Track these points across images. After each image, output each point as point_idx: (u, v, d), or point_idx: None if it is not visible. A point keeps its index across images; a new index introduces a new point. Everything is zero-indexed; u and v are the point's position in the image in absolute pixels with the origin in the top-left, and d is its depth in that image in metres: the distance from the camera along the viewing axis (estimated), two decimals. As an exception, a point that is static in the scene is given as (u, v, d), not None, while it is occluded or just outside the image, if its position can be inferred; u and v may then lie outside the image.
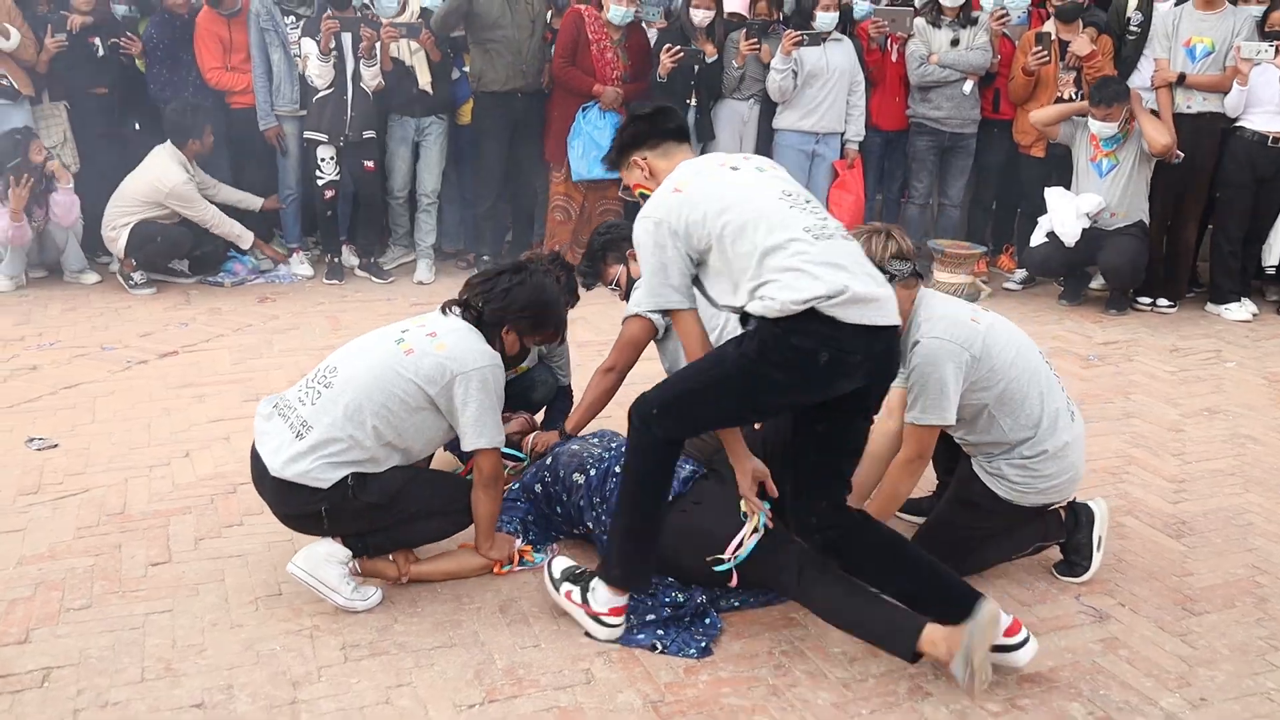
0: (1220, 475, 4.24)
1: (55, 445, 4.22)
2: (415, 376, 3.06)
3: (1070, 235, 6.22)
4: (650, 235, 2.81)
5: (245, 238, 6.56)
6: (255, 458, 3.14)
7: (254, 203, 6.71)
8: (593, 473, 3.39)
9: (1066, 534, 3.41)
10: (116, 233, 6.22)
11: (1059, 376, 3.33)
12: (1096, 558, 3.39)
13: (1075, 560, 3.41)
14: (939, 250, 6.63)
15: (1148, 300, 6.58)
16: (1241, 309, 6.45)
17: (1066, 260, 6.41)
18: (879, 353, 2.70)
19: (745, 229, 2.69)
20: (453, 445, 3.60)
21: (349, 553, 3.13)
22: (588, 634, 3.01)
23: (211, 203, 6.43)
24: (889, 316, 2.68)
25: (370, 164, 6.63)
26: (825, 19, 6.36)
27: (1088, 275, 6.76)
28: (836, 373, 2.65)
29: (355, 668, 2.87)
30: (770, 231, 2.67)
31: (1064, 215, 6.26)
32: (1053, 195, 6.37)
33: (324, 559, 3.09)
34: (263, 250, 6.73)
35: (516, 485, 3.69)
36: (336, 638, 3.00)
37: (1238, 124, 6.29)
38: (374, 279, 6.79)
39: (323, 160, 6.55)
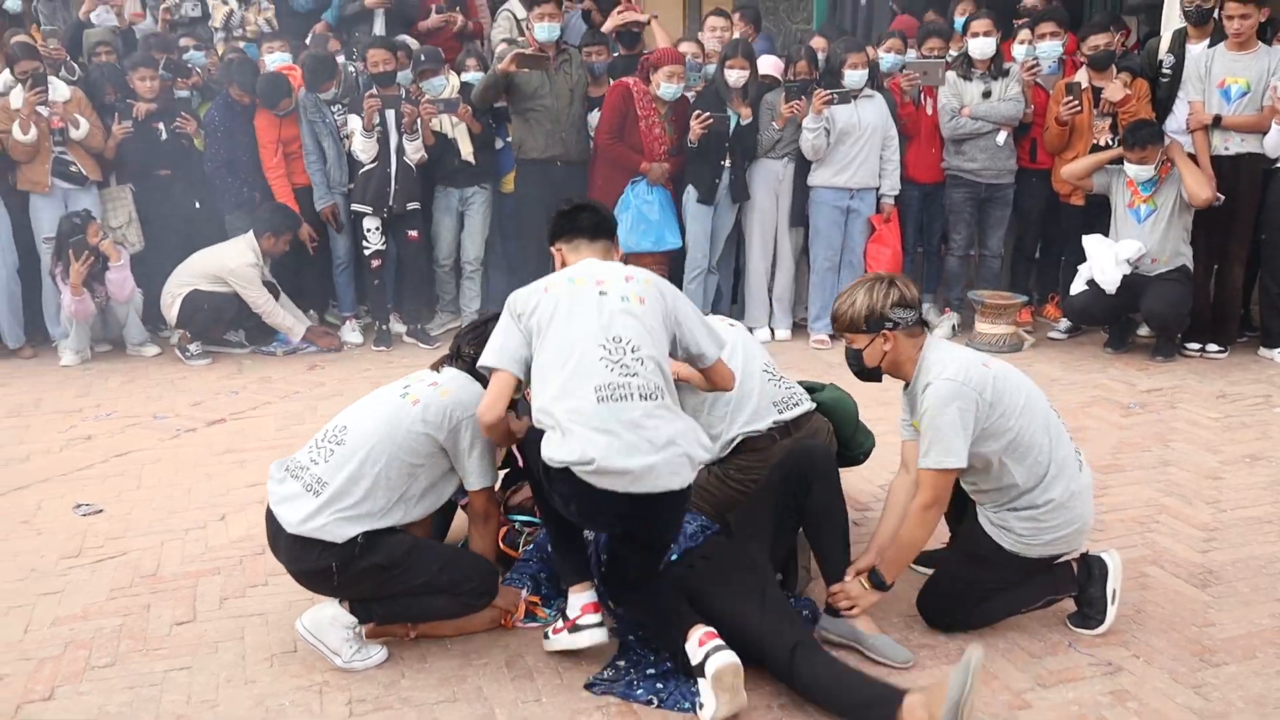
0: (1256, 523, 4.13)
1: (100, 511, 4.40)
2: (424, 426, 3.20)
3: (1110, 282, 6.15)
4: (506, 307, 3.19)
5: (297, 330, 6.78)
6: (270, 518, 3.26)
7: (299, 331, 6.83)
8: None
9: (1078, 587, 3.35)
10: (172, 299, 6.51)
11: (1065, 422, 3.32)
12: (1111, 611, 3.33)
13: (1089, 614, 3.35)
14: (979, 301, 6.60)
15: (1197, 346, 6.45)
16: (1294, 352, 6.30)
17: (1108, 307, 6.33)
18: (635, 516, 2.95)
19: (550, 367, 3.00)
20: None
21: (354, 620, 3.21)
22: (580, 649, 3.15)
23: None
24: (645, 486, 2.87)
25: (414, 233, 6.84)
26: (854, 77, 6.43)
27: (1133, 323, 6.66)
28: (590, 519, 3.07)
29: (359, 722, 2.94)
30: (566, 380, 2.95)
31: (1103, 262, 6.20)
32: (1091, 242, 6.32)
33: (329, 622, 3.19)
34: (315, 341, 6.88)
35: (531, 546, 3.74)
36: (344, 693, 3.08)
37: (1279, 165, 6.19)
38: (421, 345, 6.97)
39: (369, 231, 6.78)
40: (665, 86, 6.44)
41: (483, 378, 3.30)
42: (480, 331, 3.40)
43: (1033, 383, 3.31)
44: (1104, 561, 3.35)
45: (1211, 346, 6.44)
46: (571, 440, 2.87)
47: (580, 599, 3.16)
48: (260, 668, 3.22)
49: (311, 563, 3.19)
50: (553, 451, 2.90)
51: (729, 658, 2.84)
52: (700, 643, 2.90)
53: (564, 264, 3.33)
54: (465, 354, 3.42)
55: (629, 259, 6.63)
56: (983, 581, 3.29)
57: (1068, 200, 6.73)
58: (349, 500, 3.14)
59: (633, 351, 2.99)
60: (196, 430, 5.39)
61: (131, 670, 3.21)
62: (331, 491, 3.14)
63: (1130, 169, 6.08)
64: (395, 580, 3.19)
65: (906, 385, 3.34)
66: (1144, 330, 6.67)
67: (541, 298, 3.12)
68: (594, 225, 3.36)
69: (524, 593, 3.49)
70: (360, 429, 3.24)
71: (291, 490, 3.22)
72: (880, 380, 3.39)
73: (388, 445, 3.18)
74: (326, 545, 3.13)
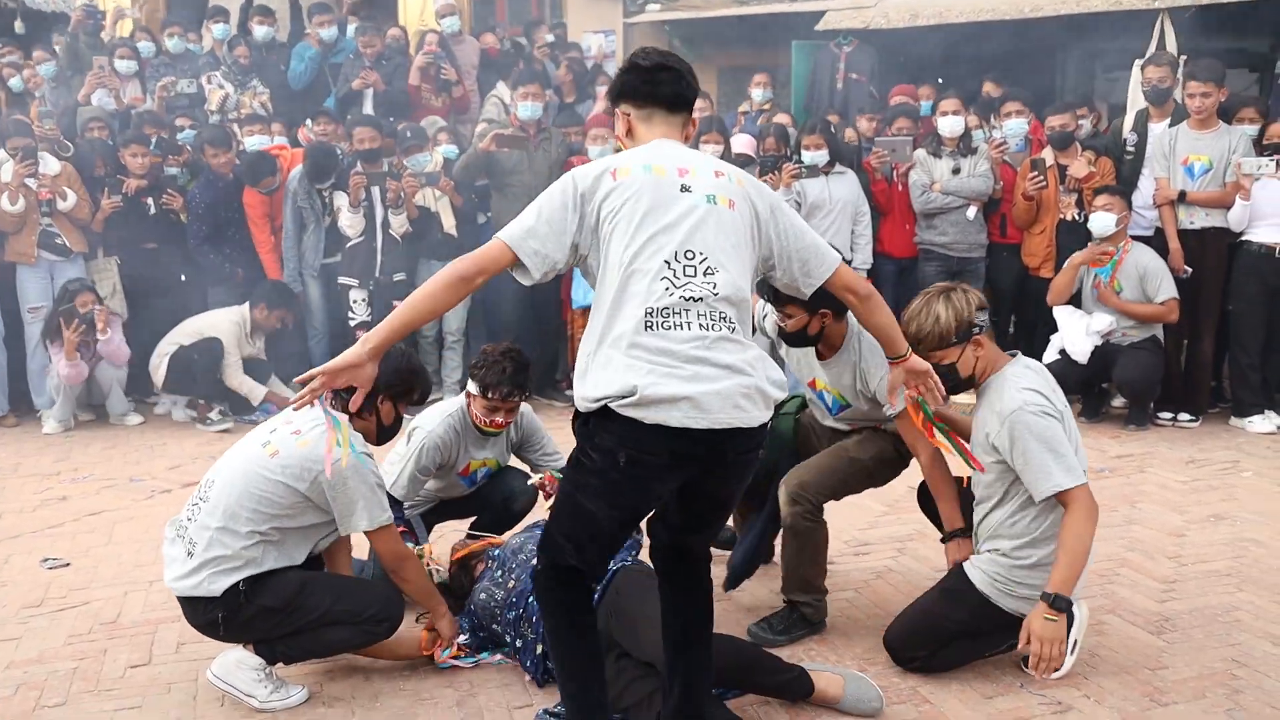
0: (1215, 575, 4.14)
1: (68, 564, 4.42)
2: (283, 477, 3.11)
3: (1081, 353, 6.24)
4: (559, 185, 2.59)
5: (255, 395, 6.74)
6: None
7: (257, 395, 6.78)
8: (506, 637, 3.42)
9: None
10: (160, 359, 6.58)
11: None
12: (1069, 660, 3.29)
13: None
14: (952, 371, 6.67)
15: (1169, 415, 6.50)
16: (1265, 421, 6.33)
17: (1080, 377, 6.39)
18: (696, 459, 2.50)
19: (607, 284, 2.52)
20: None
21: (261, 660, 3.20)
22: None
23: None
24: (707, 418, 2.43)
25: (399, 304, 6.94)
26: (810, 156, 6.63)
27: (1107, 393, 6.73)
28: (643, 478, 2.51)
29: (304, 757, 2.94)
30: (615, 297, 2.50)
31: (1074, 334, 6.29)
32: (1062, 314, 6.42)
33: (235, 665, 3.21)
34: (274, 403, 6.82)
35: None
36: (292, 730, 3.07)
37: (1244, 238, 6.32)
38: (406, 415, 7.00)
39: (355, 302, 6.91)
40: (590, 148, 6.70)
41: (362, 405, 3.07)
42: None
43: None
44: (1072, 613, 3.34)
45: (1183, 415, 6.49)
46: (610, 371, 2.45)
47: None
48: (211, 706, 3.22)
49: (200, 618, 3.20)
50: (588, 390, 2.47)
51: None
52: None
53: (629, 133, 2.75)
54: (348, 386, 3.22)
55: (580, 314, 6.76)
56: (951, 619, 3.29)
57: (1036, 273, 6.85)
58: (219, 552, 3.11)
59: (705, 273, 2.50)
60: (171, 491, 5.42)
61: (81, 709, 3.21)
62: (201, 551, 3.13)
63: (1095, 225, 6.18)
64: (289, 619, 3.17)
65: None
66: (1118, 400, 6.73)
67: (611, 185, 2.55)
68: (674, 95, 2.72)
69: (463, 637, 3.47)
70: (222, 482, 3.19)
71: (176, 552, 3.22)
72: (973, 388, 3.38)
73: (248, 500, 3.11)
74: (209, 600, 3.13)
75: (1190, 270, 6.31)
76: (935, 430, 3.28)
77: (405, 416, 3.59)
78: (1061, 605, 3.09)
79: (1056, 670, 3.19)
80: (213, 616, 3.14)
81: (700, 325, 2.48)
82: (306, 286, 7.06)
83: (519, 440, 4.20)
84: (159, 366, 6.58)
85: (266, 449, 3.18)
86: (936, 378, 3.02)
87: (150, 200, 6.98)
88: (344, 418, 3.12)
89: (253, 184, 6.92)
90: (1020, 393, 3.18)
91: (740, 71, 10.04)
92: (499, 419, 3.88)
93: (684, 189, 2.57)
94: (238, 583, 3.10)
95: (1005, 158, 6.87)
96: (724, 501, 2.72)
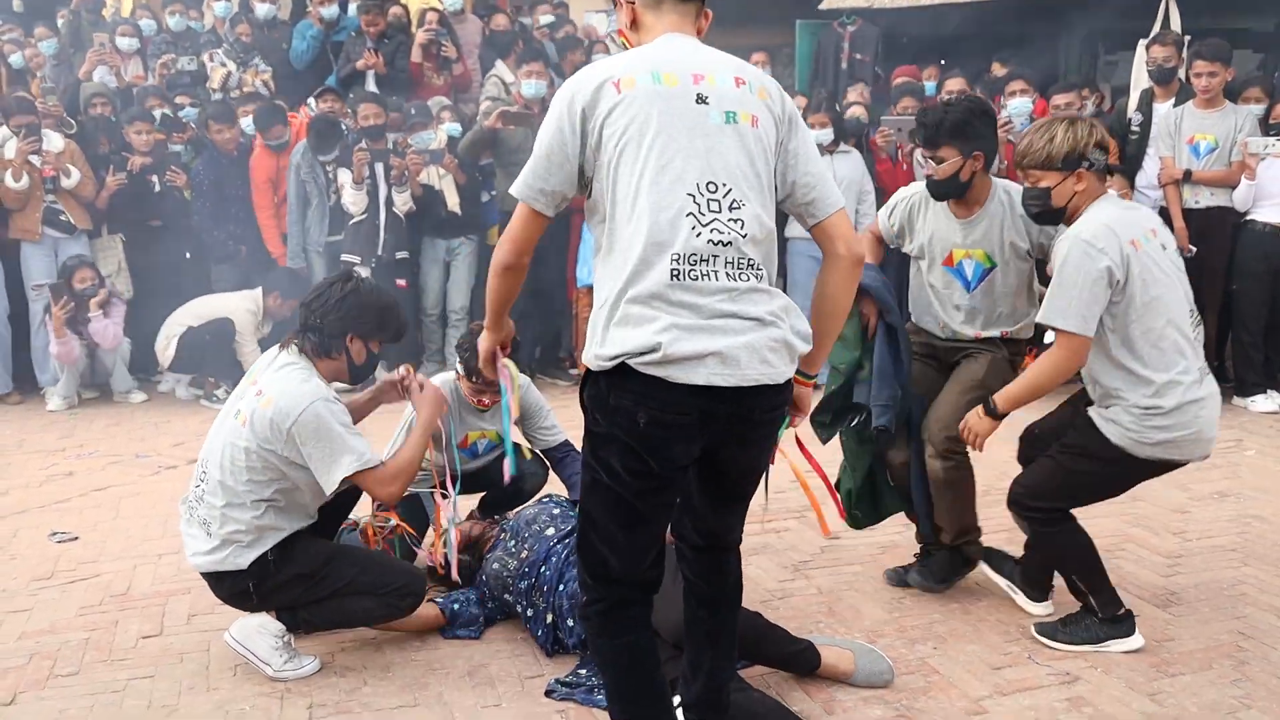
0: (1220, 550, 4.17)
1: (76, 539, 4.43)
2: (258, 444, 3.07)
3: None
4: (555, 107, 2.32)
5: None
6: None
7: None
8: (517, 606, 3.42)
9: None
10: (168, 340, 6.57)
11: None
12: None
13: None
14: (956, 351, 6.68)
15: (1172, 395, 6.51)
16: (1268, 400, 6.35)
17: (1083, 356, 6.40)
18: (720, 417, 2.29)
19: (619, 221, 2.27)
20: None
21: (282, 627, 3.23)
22: None
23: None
24: (734, 375, 2.23)
25: (403, 282, 6.95)
26: (814, 135, 6.59)
27: (1110, 373, 6.73)
28: (664, 439, 2.28)
29: (317, 725, 2.96)
30: (630, 238, 2.25)
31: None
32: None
33: (255, 630, 3.22)
34: None
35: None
36: (305, 698, 3.09)
37: (1248, 217, 6.33)
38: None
39: (358, 280, 6.89)
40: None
41: (330, 345, 3.15)
42: (325, 296, 3.20)
43: (1184, 290, 3.22)
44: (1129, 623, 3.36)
45: (1186, 395, 6.49)
46: (629, 327, 2.22)
47: None
48: (223, 676, 3.23)
49: (228, 590, 3.23)
50: (604, 347, 2.25)
51: None
52: None
53: (634, 25, 2.44)
54: (312, 325, 3.19)
55: (584, 292, 6.75)
56: (1082, 474, 3.28)
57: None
58: (235, 528, 3.12)
59: (731, 208, 2.25)
60: (177, 468, 5.43)
61: (94, 679, 3.23)
62: (218, 530, 3.14)
63: None
64: (318, 586, 3.20)
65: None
66: (1120, 381, 6.73)
67: (614, 100, 2.25)
68: None
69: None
70: (213, 461, 3.17)
71: (194, 531, 3.23)
72: (1057, 225, 3.32)
73: (239, 474, 3.10)
74: (236, 573, 3.15)
75: (1194, 250, 6.32)
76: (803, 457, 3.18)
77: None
78: (993, 412, 3.28)
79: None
80: (244, 587, 3.16)
81: (728, 275, 2.25)
82: (311, 264, 7.05)
83: (520, 414, 4.18)
84: (167, 347, 6.57)
85: (239, 419, 3.13)
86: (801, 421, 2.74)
87: (154, 178, 6.96)
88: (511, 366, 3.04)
89: (264, 130, 6.94)
90: (1092, 224, 3.11)
91: (742, 51, 9.98)
92: (484, 399, 3.88)
93: (700, 100, 2.26)
94: (266, 553, 3.12)
95: (1010, 137, 6.85)
96: (750, 470, 2.49)
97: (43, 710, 3.04)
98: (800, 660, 3.12)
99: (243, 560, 3.12)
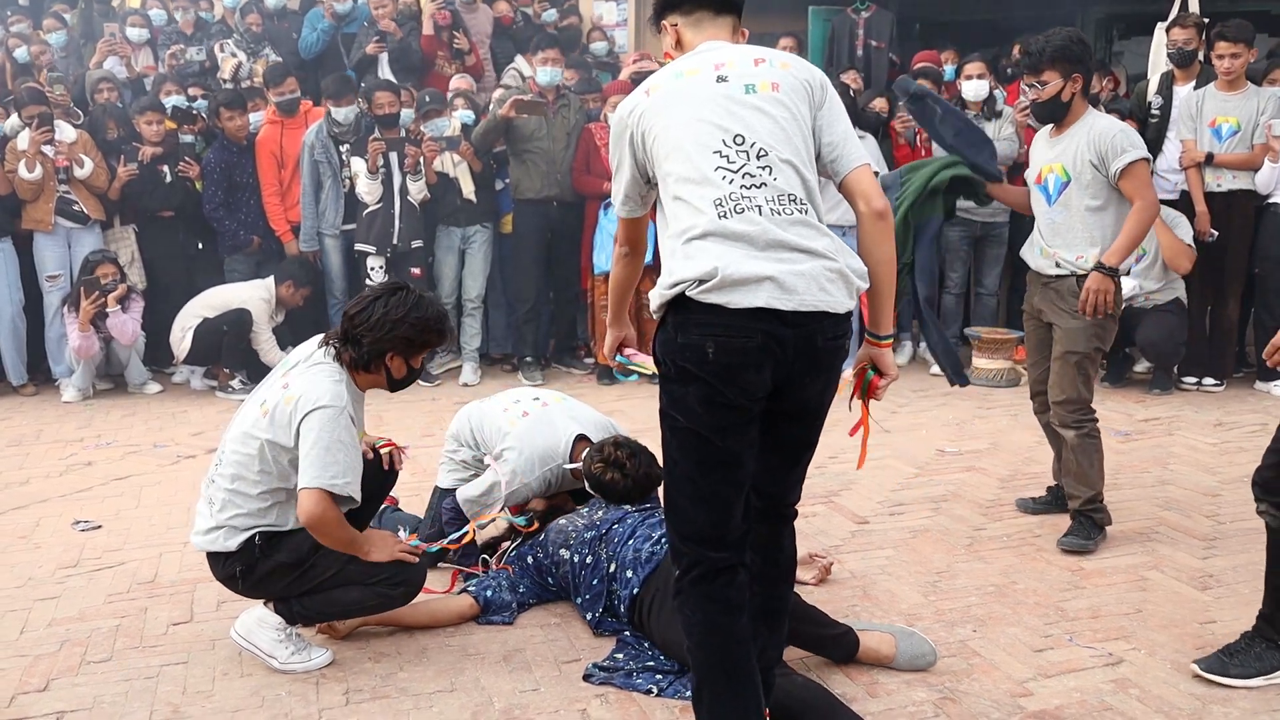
0: (1256, 533, 4.08)
1: (99, 527, 4.40)
2: (275, 435, 3.04)
3: (1106, 316, 6.20)
4: (613, 129, 2.57)
5: None
6: None
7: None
8: (575, 559, 3.42)
9: None
10: (183, 333, 6.53)
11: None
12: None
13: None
14: (975, 337, 6.66)
15: (1193, 380, 6.48)
16: (1290, 385, 6.33)
17: (1104, 341, 6.37)
18: (785, 344, 2.33)
19: (668, 198, 2.44)
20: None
21: (280, 620, 3.19)
22: None
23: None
24: (794, 298, 2.30)
25: (417, 271, 6.90)
26: None
27: (1131, 358, 6.70)
28: (730, 368, 2.31)
29: (355, 709, 2.93)
30: (681, 205, 2.40)
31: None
32: (1085, 277, 6.38)
33: (256, 623, 3.19)
34: None
35: (514, 554, 3.69)
36: (341, 684, 3.06)
37: (1271, 200, 6.28)
38: (421, 382, 6.99)
39: (372, 269, 6.85)
40: (609, 114, 6.62)
41: (369, 362, 3.09)
42: (368, 311, 3.09)
43: None
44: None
45: (1208, 380, 6.46)
46: (685, 260, 2.34)
47: None
48: (256, 662, 3.19)
49: (220, 571, 3.20)
50: (664, 280, 2.36)
51: None
52: None
53: (679, 44, 2.61)
54: (353, 338, 3.10)
55: (600, 280, 6.73)
56: None
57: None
58: (234, 511, 3.10)
59: (759, 157, 2.37)
60: (196, 457, 5.39)
61: (128, 665, 3.20)
62: (218, 511, 3.13)
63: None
64: (304, 578, 3.15)
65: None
66: (1141, 366, 6.70)
67: (643, 103, 2.48)
68: None
69: (402, 532, 3.59)
70: (229, 448, 3.15)
71: (202, 508, 3.22)
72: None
73: (252, 463, 3.08)
74: (227, 555, 3.13)
75: (1216, 234, 6.27)
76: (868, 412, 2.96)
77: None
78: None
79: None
80: (231, 570, 3.14)
81: (772, 210, 2.34)
82: (326, 251, 7.01)
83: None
84: (183, 339, 6.53)
85: (261, 408, 3.11)
86: (889, 384, 2.74)
87: (166, 168, 6.92)
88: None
89: (273, 85, 6.94)
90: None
91: (754, 40, 9.91)
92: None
93: (720, 79, 2.44)
94: (253, 536, 3.09)
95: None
96: (816, 410, 2.48)
97: (77, 696, 3.02)
98: (839, 645, 3.09)
99: (232, 542, 3.10)
